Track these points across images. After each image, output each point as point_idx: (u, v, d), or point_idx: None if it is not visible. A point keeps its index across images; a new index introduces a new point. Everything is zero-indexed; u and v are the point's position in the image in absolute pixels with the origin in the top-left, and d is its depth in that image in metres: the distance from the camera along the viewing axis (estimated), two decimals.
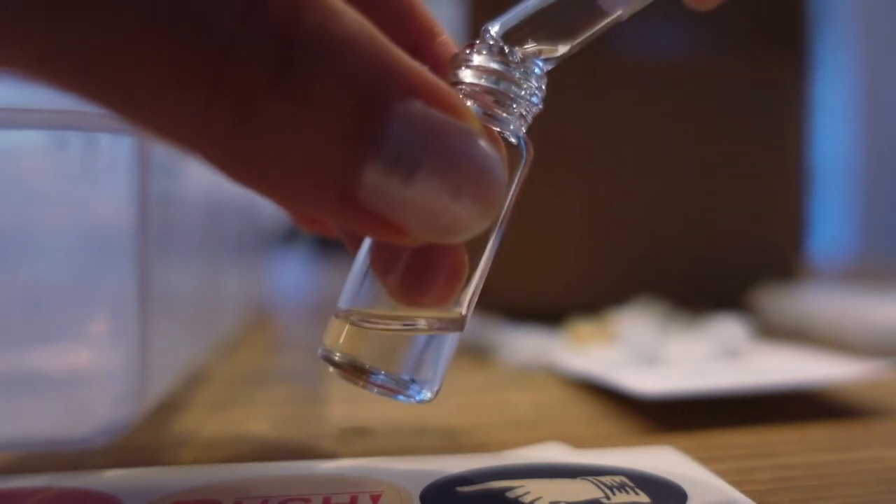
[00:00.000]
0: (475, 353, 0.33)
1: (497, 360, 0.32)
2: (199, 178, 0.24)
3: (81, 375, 0.16)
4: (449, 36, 0.16)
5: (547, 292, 0.41)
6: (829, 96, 1.61)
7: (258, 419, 0.23)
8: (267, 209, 0.46)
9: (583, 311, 0.38)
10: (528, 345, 0.31)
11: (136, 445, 0.20)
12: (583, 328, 0.34)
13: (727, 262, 0.43)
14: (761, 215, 0.44)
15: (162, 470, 0.17)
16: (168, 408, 0.23)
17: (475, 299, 0.15)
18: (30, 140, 0.16)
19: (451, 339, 0.15)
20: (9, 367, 0.16)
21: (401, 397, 0.15)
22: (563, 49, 0.15)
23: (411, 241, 0.12)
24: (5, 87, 0.15)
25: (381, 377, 0.15)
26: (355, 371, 0.15)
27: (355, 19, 0.11)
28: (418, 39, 0.16)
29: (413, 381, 0.15)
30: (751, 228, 0.44)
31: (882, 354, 0.31)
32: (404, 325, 0.15)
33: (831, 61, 1.63)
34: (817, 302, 0.42)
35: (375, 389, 0.15)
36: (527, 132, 0.15)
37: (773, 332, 0.37)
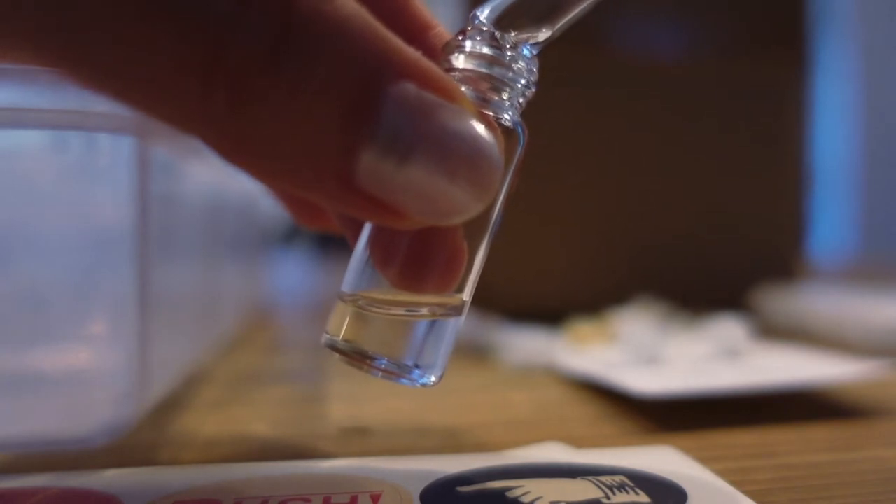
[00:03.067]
0: (475, 353, 0.33)
1: (497, 360, 0.32)
2: (199, 178, 0.24)
3: (81, 375, 0.16)
4: (443, 28, 0.17)
5: (547, 292, 0.41)
6: (829, 96, 1.61)
7: (258, 419, 0.23)
8: (267, 209, 0.46)
9: (583, 311, 0.38)
10: (528, 345, 0.31)
11: (136, 445, 0.20)
12: (583, 328, 0.34)
13: (727, 262, 0.43)
14: (761, 215, 0.44)
15: (162, 470, 0.17)
16: (168, 408, 0.23)
17: (475, 284, 0.15)
18: (30, 140, 0.16)
19: (452, 324, 0.15)
20: (9, 367, 0.16)
21: (404, 381, 0.15)
22: (549, 32, 0.15)
23: (409, 224, 0.12)
24: (5, 87, 0.15)
25: (385, 363, 0.15)
26: (359, 357, 0.15)
27: (350, 4, 0.11)
28: (412, 31, 0.16)
29: (416, 366, 0.15)
30: (751, 228, 0.44)
31: (882, 354, 0.31)
32: (407, 311, 0.15)
33: (831, 61, 1.62)
34: (817, 302, 0.42)
35: (380, 374, 0.15)
36: (526, 126, 0.15)
37: (773, 332, 0.37)
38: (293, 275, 0.80)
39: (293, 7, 0.11)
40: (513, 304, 0.39)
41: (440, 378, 0.15)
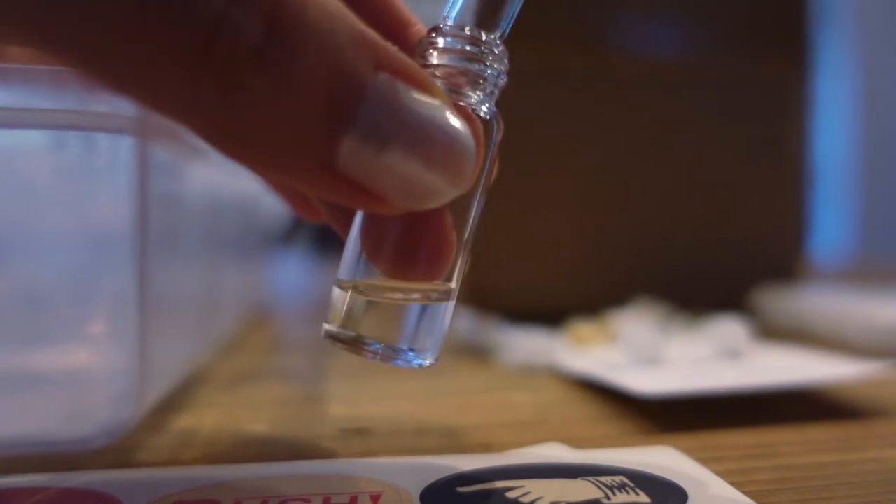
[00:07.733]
0: (475, 353, 0.33)
1: (497, 360, 0.32)
2: (200, 178, 0.24)
3: (81, 376, 0.16)
4: (423, 26, 0.17)
5: (547, 292, 0.40)
6: (829, 96, 1.61)
7: (258, 419, 0.23)
8: (267, 209, 0.46)
9: (583, 311, 0.38)
10: (528, 345, 0.31)
11: (136, 445, 0.20)
12: (583, 328, 0.34)
13: (727, 262, 0.43)
14: (761, 215, 0.44)
15: (162, 470, 0.17)
16: (168, 408, 0.23)
17: (464, 270, 0.16)
18: (30, 140, 0.16)
19: (445, 309, 0.16)
20: (9, 367, 0.16)
21: (399, 362, 0.16)
22: (507, 22, 0.15)
23: (391, 209, 0.13)
24: (5, 87, 0.15)
25: (380, 347, 0.15)
26: (355, 342, 0.15)
27: (333, 2, 0.12)
28: (393, 29, 0.17)
29: (411, 349, 0.16)
30: (751, 228, 0.44)
31: (882, 354, 0.31)
32: (402, 296, 0.16)
33: (831, 61, 1.62)
34: (817, 302, 0.41)
35: (377, 357, 0.15)
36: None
37: (773, 332, 0.37)
38: (293, 275, 0.80)
39: (279, 5, 0.11)
40: (513, 304, 0.39)
41: (435, 361, 0.16)
